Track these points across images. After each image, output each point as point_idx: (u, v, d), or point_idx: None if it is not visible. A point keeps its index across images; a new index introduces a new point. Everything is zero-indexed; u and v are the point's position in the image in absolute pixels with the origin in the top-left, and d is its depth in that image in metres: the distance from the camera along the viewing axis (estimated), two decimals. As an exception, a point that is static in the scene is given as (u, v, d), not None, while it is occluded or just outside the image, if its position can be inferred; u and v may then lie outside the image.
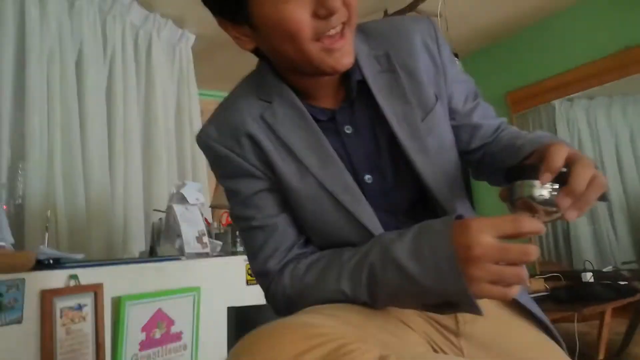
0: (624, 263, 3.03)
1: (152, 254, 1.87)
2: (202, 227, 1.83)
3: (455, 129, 0.86)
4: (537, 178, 0.58)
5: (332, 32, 0.68)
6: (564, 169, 0.59)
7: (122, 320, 1.53)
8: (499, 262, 0.57)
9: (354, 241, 0.76)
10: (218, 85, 3.62)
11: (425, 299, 0.64)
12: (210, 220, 2.41)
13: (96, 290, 1.51)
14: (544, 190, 0.58)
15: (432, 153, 0.77)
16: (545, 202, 0.58)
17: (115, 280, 1.56)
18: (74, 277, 1.48)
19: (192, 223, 1.79)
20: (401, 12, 2.61)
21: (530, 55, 3.25)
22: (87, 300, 1.49)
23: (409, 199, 0.81)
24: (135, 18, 2.57)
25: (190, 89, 2.86)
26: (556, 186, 0.59)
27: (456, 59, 2.52)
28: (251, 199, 0.80)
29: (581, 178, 0.58)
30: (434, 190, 0.77)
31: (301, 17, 0.66)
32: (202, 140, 0.81)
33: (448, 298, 0.61)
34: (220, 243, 1.96)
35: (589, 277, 2.43)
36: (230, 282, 1.82)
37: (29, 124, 2.00)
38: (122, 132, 2.40)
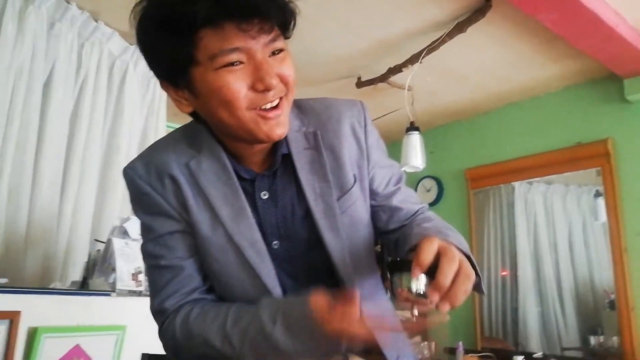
0: (564, 349, 3.06)
1: (83, 286, 1.82)
2: (140, 264, 1.79)
3: (375, 209, 0.90)
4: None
5: (268, 105, 0.73)
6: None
7: (34, 353, 1.46)
8: None
9: (252, 295, 0.79)
10: (187, 118, 3.65)
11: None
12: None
13: (13, 318, 1.45)
14: (419, 283, 0.63)
15: (343, 231, 0.81)
16: (419, 295, 0.63)
17: (35, 309, 1.50)
18: (-8, 301, 1.43)
19: (129, 259, 1.76)
20: (373, 81, 2.74)
21: (491, 137, 3.39)
22: (1, 328, 1.43)
23: (314, 269, 0.84)
24: (114, 47, 2.60)
25: (159, 122, 2.86)
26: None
27: (417, 131, 2.63)
28: (163, 239, 0.83)
29: (445, 274, 0.62)
30: (339, 267, 0.81)
31: (239, 87, 0.71)
32: (129, 174, 0.85)
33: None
34: (157, 283, 1.92)
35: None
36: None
37: (-18, 135, 1.97)
38: (81, 157, 2.37)
